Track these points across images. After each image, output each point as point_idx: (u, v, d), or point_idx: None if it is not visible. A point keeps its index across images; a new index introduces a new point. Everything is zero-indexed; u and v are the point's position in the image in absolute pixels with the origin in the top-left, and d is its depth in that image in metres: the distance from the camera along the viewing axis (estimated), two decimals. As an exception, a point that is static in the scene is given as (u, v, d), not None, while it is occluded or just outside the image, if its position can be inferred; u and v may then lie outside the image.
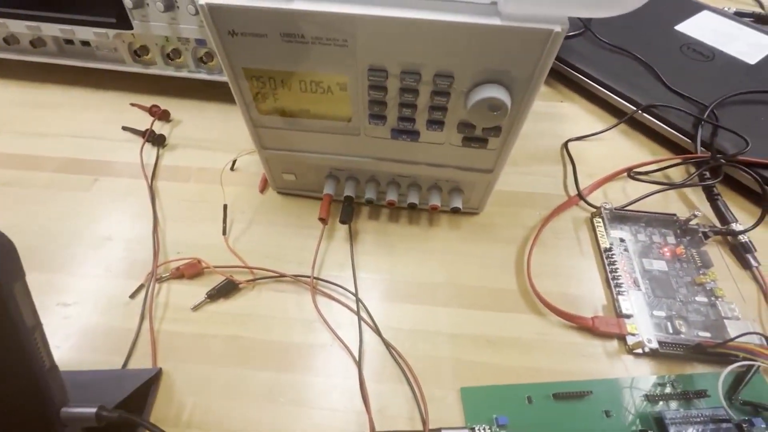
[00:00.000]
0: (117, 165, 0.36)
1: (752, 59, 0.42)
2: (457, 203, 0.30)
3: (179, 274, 0.29)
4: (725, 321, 0.27)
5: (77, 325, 0.27)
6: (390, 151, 0.28)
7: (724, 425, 0.22)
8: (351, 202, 0.30)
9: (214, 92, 0.42)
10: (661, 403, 0.24)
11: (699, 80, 0.40)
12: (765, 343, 0.22)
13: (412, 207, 0.31)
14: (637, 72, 0.41)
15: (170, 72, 0.39)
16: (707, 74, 0.41)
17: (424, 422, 0.23)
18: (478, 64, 0.21)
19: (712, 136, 0.36)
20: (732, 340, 0.24)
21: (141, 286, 0.29)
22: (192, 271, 0.29)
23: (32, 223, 0.33)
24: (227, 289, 0.28)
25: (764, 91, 0.38)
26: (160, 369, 0.25)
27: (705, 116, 0.36)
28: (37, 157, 0.37)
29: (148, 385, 0.24)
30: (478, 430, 0.23)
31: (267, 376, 0.26)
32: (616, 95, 0.40)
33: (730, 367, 0.22)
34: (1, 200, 0.34)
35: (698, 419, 0.23)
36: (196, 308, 0.28)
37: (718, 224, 0.32)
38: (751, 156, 0.33)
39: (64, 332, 0.27)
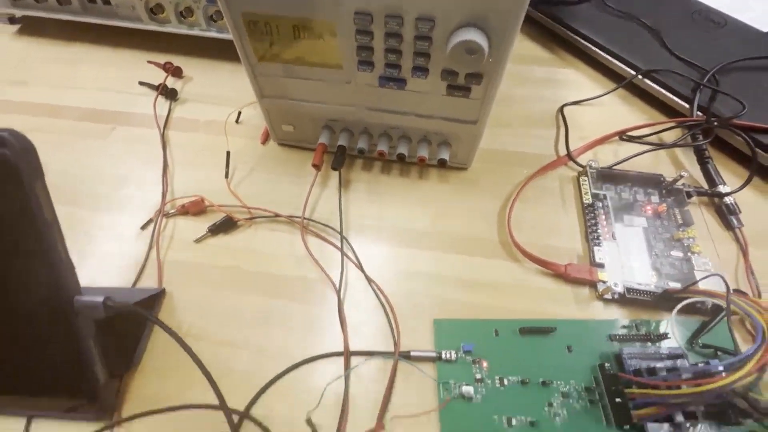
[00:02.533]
0: (133, 116, 0.39)
1: (766, 26, 0.41)
2: (444, 155, 0.31)
3: (184, 211, 0.32)
4: (696, 274, 0.28)
5: (94, 251, 0.31)
6: (380, 100, 0.29)
7: (679, 361, 0.23)
8: (343, 152, 0.32)
9: (225, 52, 0.44)
10: (623, 343, 0.26)
11: (705, 47, 0.39)
12: (726, 287, 0.23)
13: (401, 158, 0.32)
14: (642, 38, 0.41)
15: (183, 30, 0.41)
16: (715, 41, 0.40)
17: (396, 343, 0.26)
18: (457, 8, 0.22)
19: (710, 100, 0.36)
20: (694, 283, 0.25)
21: (150, 220, 0.32)
22: (196, 208, 0.32)
23: (56, 165, 0.36)
24: (227, 225, 0.31)
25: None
26: (164, 289, 0.28)
27: (705, 81, 0.36)
28: (62, 107, 0.40)
29: (153, 300, 0.27)
30: (445, 354, 0.25)
31: (259, 301, 0.28)
32: (617, 60, 0.40)
33: (681, 304, 0.23)
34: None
35: (655, 356, 0.24)
36: (198, 240, 0.31)
37: (705, 186, 0.33)
38: (746, 120, 0.33)
39: (82, 257, 0.30)
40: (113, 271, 0.30)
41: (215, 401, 0.22)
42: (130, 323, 0.26)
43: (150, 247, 0.31)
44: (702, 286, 0.26)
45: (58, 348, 0.22)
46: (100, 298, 0.20)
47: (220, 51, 0.43)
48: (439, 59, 0.25)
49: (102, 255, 0.31)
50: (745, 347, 0.22)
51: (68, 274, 0.20)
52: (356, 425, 0.24)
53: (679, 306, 0.23)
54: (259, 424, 0.23)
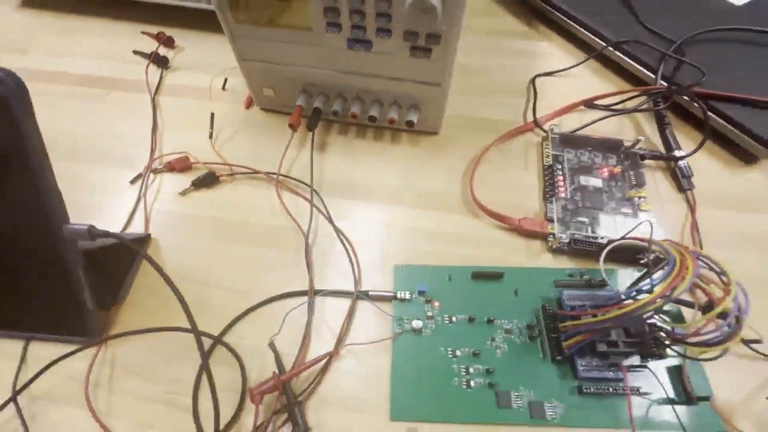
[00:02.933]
0: (126, 82, 0.42)
1: (739, 0, 0.42)
2: (413, 117, 0.33)
3: (171, 167, 0.34)
4: (640, 229, 0.29)
5: (85, 202, 0.33)
6: (350, 62, 0.31)
7: (612, 301, 0.25)
8: (318, 113, 0.34)
9: (214, 24, 0.45)
10: (566, 288, 0.28)
11: (677, 19, 0.40)
12: (651, 228, 0.24)
13: (372, 120, 0.34)
14: (615, 10, 0.42)
15: (176, 1, 0.43)
16: (687, 13, 0.41)
17: (356, 282, 0.28)
18: (412, -30, 0.24)
19: (674, 70, 0.37)
20: (629, 231, 0.26)
21: (139, 175, 0.34)
22: (181, 164, 0.34)
23: (56, 126, 0.38)
24: (209, 180, 0.34)
25: (736, 28, 0.38)
26: (149, 234, 0.31)
27: (670, 51, 0.37)
28: (61, 74, 0.43)
29: (139, 244, 0.30)
30: (400, 294, 0.28)
31: (236, 247, 0.31)
32: (589, 32, 0.41)
33: (610, 247, 0.25)
34: (35, 106, 0.40)
35: (592, 298, 0.26)
36: (183, 193, 0.33)
37: (663, 151, 0.34)
38: (705, 88, 0.35)
39: (74, 207, 0.33)
40: (103, 220, 0.33)
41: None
42: (116, 260, 0.29)
43: (138, 199, 0.33)
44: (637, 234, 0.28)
45: (50, 275, 0.24)
46: (85, 226, 0.22)
47: (210, 23, 0.45)
48: (400, 20, 0.27)
49: (93, 206, 0.33)
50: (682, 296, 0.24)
51: (57, 203, 0.22)
52: (316, 352, 0.26)
53: (607, 248, 0.25)
54: (230, 349, 0.26)
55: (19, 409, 0.24)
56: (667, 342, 0.22)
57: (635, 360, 0.24)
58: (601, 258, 0.24)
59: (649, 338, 0.23)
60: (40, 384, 0.25)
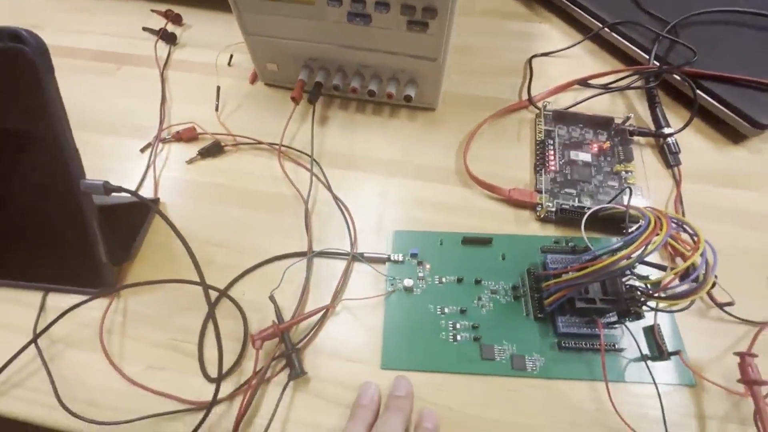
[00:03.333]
0: (136, 57, 0.43)
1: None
2: (410, 92, 0.35)
3: (179, 137, 0.36)
4: (624, 199, 0.31)
5: (97, 168, 0.35)
6: (350, 37, 0.32)
7: (589, 257, 0.27)
8: (319, 87, 0.36)
9: (221, 4, 0.47)
10: (551, 254, 0.29)
11: (673, 0, 0.41)
12: (629, 194, 0.25)
13: (371, 94, 0.35)
14: (613, -8, 0.43)
15: (183, -20, 0.45)
16: (684, -4, 0.42)
17: (352, 244, 0.30)
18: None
19: (667, 50, 0.38)
20: (612, 199, 0.28)
21: (149, 144, 0.36)
22: (188, 134, 0.36)
23: (71, 97, 0.40)
24: (215, 150, 0.35)
25: (730, 10, 0.39)
26: (158, 198, 0.33)
27: (664, 32, 0.38)
28: (74, 49, 0.44)
29: (148, 207, 0.32)
30: (394, 256, 0.29)
31: (240, 212, 0.33)
32: (586, 13, 0.42)
33: (590, 212, 0.26)
34: (47, 80, 0.42)
35: (575, 261, 0.27)
36: (189, 162, 0.35)
37: (653, 128, 0.35)
38: (696, 68, 0.35)
39: (90, 170, 0.35)
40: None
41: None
42: (129, 219, 0.31)
43: (148, 166, 0.35)
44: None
45: (68, 229, 0.26)
46: (100, 181, 0.24)
47: (217, 1, 0.47)
48: (398, -5, 0.28)
49: (105, 172, 0.35)
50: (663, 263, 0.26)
51: (75, 160, 0.24)
52: (314, 306, 0.28)
53: (588, 214, 0.26)
54: (233, 301, 0.28)
55: (39, 351, 0.27)
56: (642, 300, 0.24)
57: (613, 318, 0.25)
58: (582, 223, 0.25)
59: (625, 297, 0.24)
60: (58, 329, 0.27)
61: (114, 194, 0.24)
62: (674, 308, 0.22)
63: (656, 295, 0.22)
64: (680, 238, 0.24)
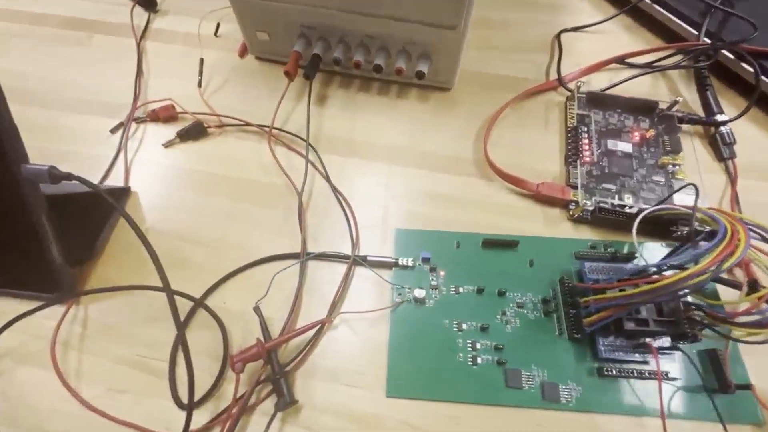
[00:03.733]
0: (111, 25, 0.38)
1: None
2: (423, 68, 0.30)
3: (155, 116, 0.31)
4: (675, 198, 0.26)
5: (62, 151, 0.31)
6: (354, 0, 0.27)
7: (642, 274, 0.22)
8: (317, 60, 0.31)
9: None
10: (587, 261, 0.25)
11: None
12: (696, 192, 0.21)
13: (377, 70, 0.31)
14: (655, -42, 0.37)
15: (164, -63, 0.39)
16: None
17: (353, 245, 0.25)
18: None
19: (720, 24, 0.33)
20: (668, 197, 0.23)
21: (120, 124, 0.31)
22: (166, 113, 0.31)
23: (36, 70, 0.35)
24: (196, 131, 0.30)
25: (797, -22, 0.34)
26: (129, 187, 0.28)
27: (718, 2, 0.33)
28: (42, 15, 0.39)
29: (117, 197, 0.27)
30: (402, 260, 0.25)
31: (223, 203, 0.28)
32: (624, -18, 0.37)
33: (644, 213, 0.22)
34: (11, 49, 0.37)
35: (618, 271, 0.23)
36: (167, 145, 0.30)
37: (703, 115, 0.31)
38: (755, 45, 0.30)
39: (51, 155, 0.30)
40: (83, 171, 0.28)
41: (172, 288, 0.22)
42: (92, 212, 0.26)
43: (119, 150, 0.30)
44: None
45: (12, 223, 0.22)
46: (45, 166, 0.20)
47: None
48: (413, -56, 0.23)
49: (69, 155, 0.30)
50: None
51: (13, 141, 0.20)
52: (307, 320, 0.24)
53: (641, 215, 0.21)
54: (211, 312, 0.24)
55: (-21, 367, 0.22)
56: (705, 322, 0.19)
57: (664, 341, 0.21)
58: (634, 227, 0.21)
59: (683, 318, 0.20)
60: (4, 341, 0.23)
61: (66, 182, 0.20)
62: (752, 339, 0.18)
63: (732, 320, 0.18)
64: (760, 250, 0.19)
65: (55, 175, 0.20)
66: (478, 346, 0.23)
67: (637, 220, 0.21)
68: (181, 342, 0.20)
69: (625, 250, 0.25)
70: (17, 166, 0.20)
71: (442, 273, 0.25)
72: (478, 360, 0.23)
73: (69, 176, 0.20)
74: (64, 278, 0.24)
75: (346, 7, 0.28)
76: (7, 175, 0.20)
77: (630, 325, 0.21)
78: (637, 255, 0.24)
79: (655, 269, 0.20)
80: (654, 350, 0.20)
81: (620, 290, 0.20)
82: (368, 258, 0.25)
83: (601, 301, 0.21)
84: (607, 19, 0.37)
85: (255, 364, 0.22)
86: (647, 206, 0.26)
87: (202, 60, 0.34)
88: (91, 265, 0.26)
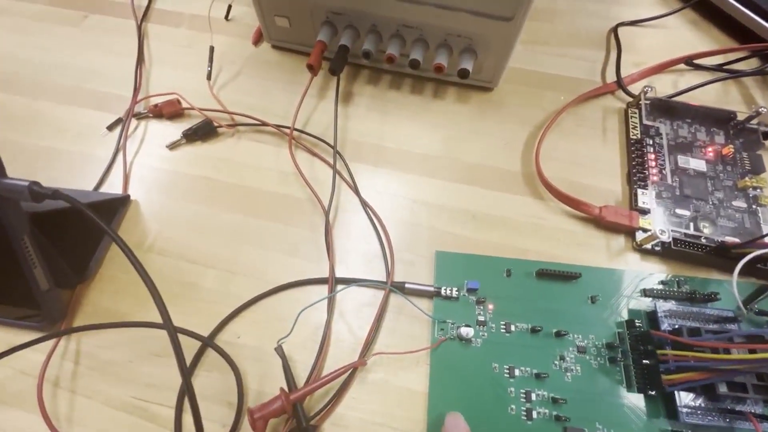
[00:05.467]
0: (108, 3, 0.34)
1: None
2: (467, 65, 0.26)
3: (158, 112, 0.27)
4: (764, 228, 0.23)
5: (54, 148, 0.27)
6: (393, -18, 0.23)
7: (729, 325, 0.19)
8: (345, 52, 0.27)
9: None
10: (660, 300, 0.22)
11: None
12: None
13: (414, 65, 0.27)
14: (728, -57, 0.33)
15: None
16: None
17: (389, 273, 0.22)
18: None
19: (807, 23, 0.28)
20: (762, 237, 0.20)
21: (119, 120, 0.28)
22: (171, 109, 0.27)
23: (21, 53, 0.31)
24: (205, 131, 0.27)
25: None
26: (129, 195, 0.25)
27: (805, -2, 0.28)
28: (31, -11, 0.35)
29: (115, 207, 0.24)
30: (445, 290, 0.22)
31: (235, 218, 0.24)
32: (693, -30, 0.32)
33: (747, 258, 0.18)
34: (-6, 29, 0.33)
35: (698, 317, 0.20)
36: (171, 146, 0.27)
37: (783, 129, 0.27)
38: None
39: (40, 154, 0.27)
40: (74, 173, 0.26)
41: (176, 322, 0.18)
42: (83, 231, 0.22)
43: (117, 150, 0.27)
44: (769, 240, 0.21)
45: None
46: (25, 182, 0.16)
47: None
48: None
49: (62, 154, 0.27)
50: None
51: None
52: (335, 361, 0.20)
53: (745, 260, 0.18)
54: (222, 353, 0.20)
55: (-46, 410, 0.19)
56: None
57: (762, 408, 0.18)
58: (736, 270, 0.17)
59: (788, 381, 0.17)
60: (-17, 378, 0.20)
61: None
62: None
63: None
64: None
65: (37, 193, 0.16)
66: (534, 397, 0.20)
67: (743, 262, 0.17)
68: (187, 390, 0.16)
69: (707, 289, 0.22)
70: (-8, 180, 0.16)
71: (490, 306, 0.22)
72: (534, 414, 0.19)
73: (54, 194, 0.16)
74: (55, 306, 0.20)
75: (382, -9, 0.24)
76: (-19, 191, 0.17)
77: (723, 390, 0.17)
78: (719, 297, 0.21)
79: (761, 331, 0.17)
80: (754, 420, 0.17)
81: (712, 350, 0.17)
82: (406, 286, 0.22)
83: (684, 359, 0.18)
84: (671, 13, 0.32)
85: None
86: (733, 239, 0.22)
87: (212, 48, 0.29)
88: (83, 288, 0.22)
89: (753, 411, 0.18)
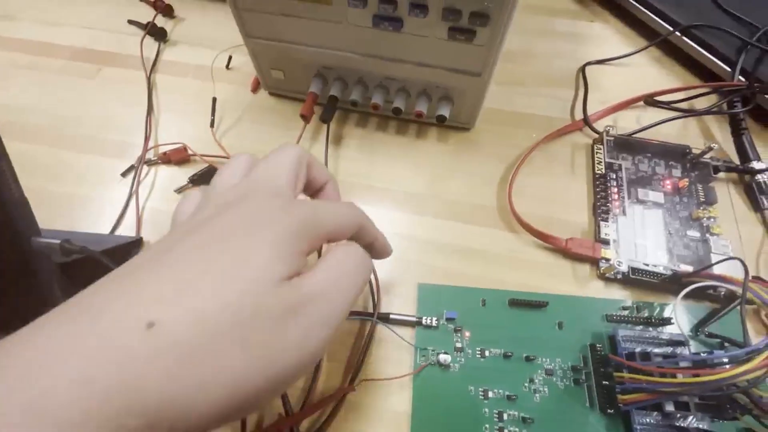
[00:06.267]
0: (120, 56, 0.37)
1: (838, -21, 0.35)
2: (444, 111, 0.29)
3: (167, 159, 0.30)
4: (713, 257, 0.25)
5: (73, 194, 0.30)
6: (374, 44, 0.26)
7: (679, 349, 0.21)
8: (334, 103, 0.30)
9: (219, -10, 0.40)
10: (620, 325, 0.24)
11: (764, 1, 0.34)
12: (745, 271, 0.20)
13: (396, 113, 0.29)
14: (686, -12, 0.36)
15: (175, -36, 0.38)
16: (774, -6, 0.35)
17: (375, 305, 0.24)
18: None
19: (756, 62, 0.31)
20: (709, 266, 0.22)
21: (132, 167, 0.31)
22: (178, 156, 0.30)
23: (43, 105, 0.35)
24: (209, 176, 0.30)
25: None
26: (141, 238, 0.27)
27: (754, 39, 0.31)
28: (50, 45, 0.38)
29: (129, 249, 0.26)
30: (426, 320, 0.24)
31: (237, 256, 0.27)
32: (653, 13, 0.35)
33: (690, 288, 0.21)
34: (19, 81, 0.36)
35: (653, 341, 0.22)
36: (179, 191, 0.30)
37: (737, 161, 0.29)
38: (796, 87, 0.29)
39: (61, 199, 0.30)
40: (92, 217, 0.29)
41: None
42: (105, 272, 0.25)
43: (130, 195, 0.29)
44: (718, 270, 0.23)
45: (21, 293, 0.21)
46: (57, 240, 0.19)
47: (215, -10, 0.40)
48: (440, -5, 0.22)
49: (81, 199, 0.30)
50: (756, 340, 0.20)
51: (23, 215, 0.19)
52: (327, 387, 0.23)
53: (688, 290, 0.20)
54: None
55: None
56: (750, 408, 0.18)
57: (704, 422, 0.20)
58: (678, 299, 0.20)
59: (726, 400, 0.19)
60: None
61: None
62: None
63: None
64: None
65: (68, 250, 0.19)
66: (505, 416, 0.22)
67: (684, 292, 0.20)
68: None
69: (661, 314, 0.24)
70: (27, 240, 0.19)
71: (467, 334, 0.24)
72: (506, 433, 0.22)
73: (82, 250, 0.19)
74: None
75: (367, 52, 0.27)
76: (17, 249, 0.19)
77: (669, 407, 0.19)
78: (672, 321, 0.23)
79: (704, 360, 0.19)
80: (696, 437, 0.19)
81: (660, 375, 0.19)
82: (391, 316, 0.24)
83: (637, 381, 0.20)
84: (636, 52, 0.35)
85: (274, 439, 0.21)
86: (686, 268, 0.25)
87: (214, 100, 0.33)
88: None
89: (699, 426, 0.20)
